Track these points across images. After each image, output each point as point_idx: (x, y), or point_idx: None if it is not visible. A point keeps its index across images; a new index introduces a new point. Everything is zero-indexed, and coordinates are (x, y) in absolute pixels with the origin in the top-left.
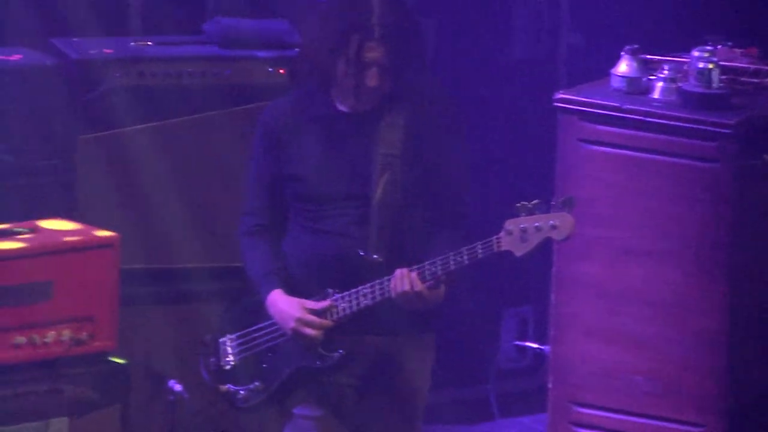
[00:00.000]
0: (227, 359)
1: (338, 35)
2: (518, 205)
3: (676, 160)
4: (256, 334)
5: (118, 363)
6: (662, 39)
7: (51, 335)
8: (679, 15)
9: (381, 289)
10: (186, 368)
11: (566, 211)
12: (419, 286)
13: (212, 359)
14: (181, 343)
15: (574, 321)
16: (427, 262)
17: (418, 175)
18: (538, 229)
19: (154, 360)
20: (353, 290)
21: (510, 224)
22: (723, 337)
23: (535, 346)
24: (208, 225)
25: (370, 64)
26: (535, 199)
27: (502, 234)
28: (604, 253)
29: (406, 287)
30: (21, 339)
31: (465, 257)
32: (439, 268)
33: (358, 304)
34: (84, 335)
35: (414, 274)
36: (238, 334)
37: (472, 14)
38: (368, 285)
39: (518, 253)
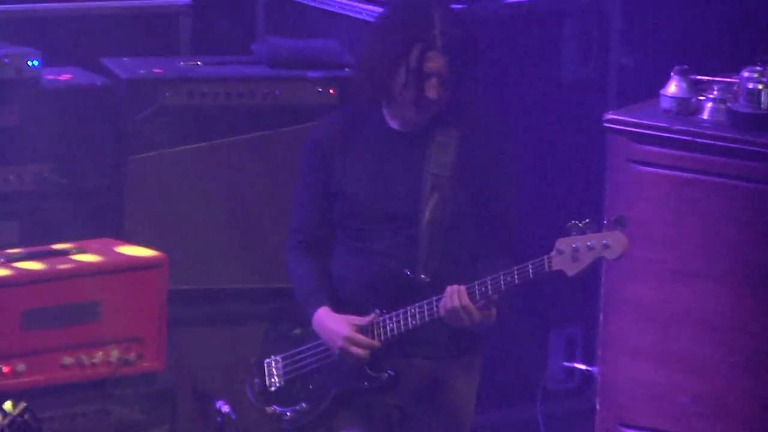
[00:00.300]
0: (273, 380)
1: (400, 45)
2: (569, 224)
3: (725, 180)
4: (302, 355)
5: (165, 383)
6: (712, 59)
7: (99, 356)
8: (729, 35)
9: (429, 309)
10: (233, 389)
11: (618, 230)
12: (469, 302)
13: (257, 380)
14: (229, 364)
15: (622, 342)
16: (477, 282)
17: (467, 197)
18: (590, 248)
19: (201, 381)
20: (401, 310)
21: (561, 243)
22: None
23: (582, 367)
24: (257, 246)
25: (430, 74)
26: (586, 219)
27: (553, 253)
28: (653, 274)
29: (456, 303)
30: (69, 359)
31: (516, 277)
32: (490, 287)
33: (405, 325)
34: (132, 356)
35: (464, 291)
36: (284, 355)
37: (521, 35)
38: (416, 305)
39: (570, 273)
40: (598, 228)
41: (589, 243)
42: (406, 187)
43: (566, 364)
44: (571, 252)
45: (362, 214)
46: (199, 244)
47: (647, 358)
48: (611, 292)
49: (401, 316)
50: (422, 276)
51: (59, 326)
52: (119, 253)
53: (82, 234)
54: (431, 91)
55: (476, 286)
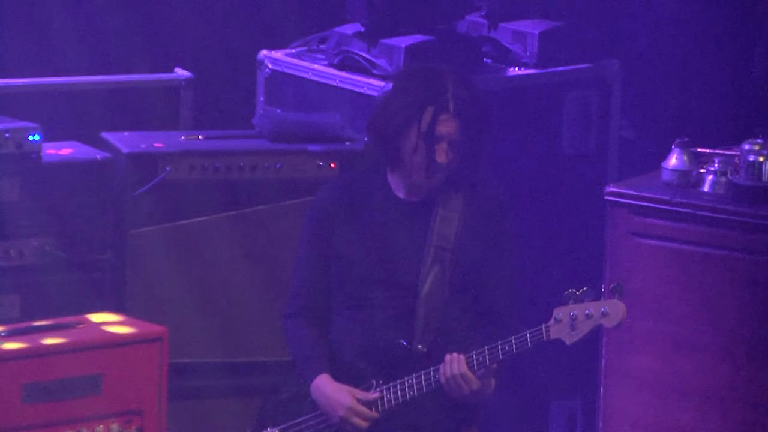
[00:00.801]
0: None
1: (413, 107)
2: (566, 292)
3: (727, 252)
4: (299, 427)
5: None
6: (712, 131)
7: (99, 429)
8: (729, 107)
9: (427, 379)
10: None
11: (617, 298)
12: (467, 371)
13: None
14: None
15: (623, 415)
16: (474, 351)
17: (467, 271)
18: (588, 316)
19: None
20: (399, 381)
21: (559, 312)
22: None
23: None
24: (258, 319)
25: (441, 138)
26: (583, 287)
27: (551, 322)
28: (654, 346)
29: (455, 371)
30: None
31: (514, 346)
32: (488, 357)
33: (404, 395)
34: (133, 429)
35: (463, 359)
36: (280, 427)
37: (522, 107)
38: (414, 376)
39: (568, 342)
40: (596, 296)
41: (587, 311)
42: (407, 257)
43: None
44: (569, 320)
45: (362, 281)
46: (199, 318)
47: (648, 430)
48: (611, 364)
49: (399, 386)
50: (419, 346)
51: (60, 399)
52: (120, 327)
53: (83, 308)
54: (441, 155)
55: (474, 356)
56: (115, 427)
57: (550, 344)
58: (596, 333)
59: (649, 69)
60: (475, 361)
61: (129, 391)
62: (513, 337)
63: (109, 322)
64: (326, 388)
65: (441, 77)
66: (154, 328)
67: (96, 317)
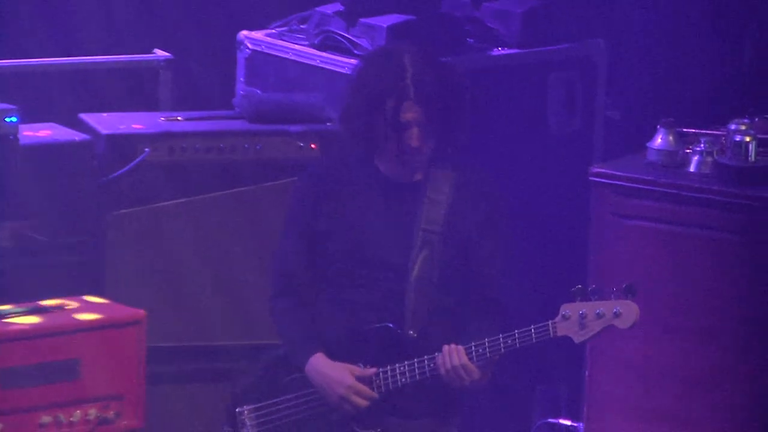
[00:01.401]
0: (245, 431)
1: (374, 99)
2: (574, 289)
3: (712, 233)
4: (280, 407)
5: None
6: (699, 112)
7: (77, 414)
8: (714, 87)
9: (421, 368)
10: None
11: (630, 299)
12: (468, 362)
13: (227, 429)
14: (209, 422)
15: (609, 398)
16: (474, 343)
17: (457, 254)
18: (599, 315)
19: None
20: (391, 367)
21: (567, 309)
22: (763, 414)
23: (568, 423)
24: (238, 302)
25: (408, 124)
26: (591, 285)
27: (558, 318)
28: (639, 329)
29: (456, 362)
30: (47, 418)
31: (517, 341)
32: (488, 349)
33: (395, 382)
34: (111, 414)
35: (462, 350)
36: (258, 405)
37: (507, 87)
38: (406, 363)
39: (577, 340)
40: (607, 295)
41: (598, 310)
42: (396, 239)
43: (551, 420)
44: (578, 318)
45: (348, 261)
46: (179, 300)
47: (633, 414)
48: (596, 348)
49: (391, 372)
50: (410, 332)
51: (38, 385)
52: (98, 311)
53: (61, 291)
54: (412, 139)
55: (473, 347)
56: (93, 412)
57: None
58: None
59: (635, 48)
60: (474, 353)
61: (107, 376)
62: (517, 331)
63: (88, 305)
64: (323, 366)
65: (400, 62)
66: (133, 312)
67: (74, 301)
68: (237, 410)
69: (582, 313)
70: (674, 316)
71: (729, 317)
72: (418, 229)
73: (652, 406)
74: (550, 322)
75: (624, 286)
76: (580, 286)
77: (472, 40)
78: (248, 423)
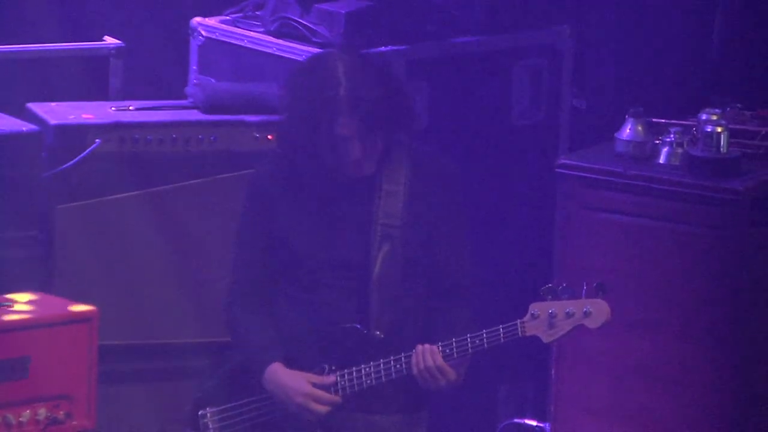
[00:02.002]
0: None
1: (308, 114)
2: (543, 288)
3: (683, 227)
4: (243, 410)
5: None
6: (669, 102)
7: (26, 414)
8: (687, 77)
9: (387, 369)
10: None
11: (600, 298)
12: (443, 362)
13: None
14: (164, 421)
15: (575, 397)
16: (441, 343)
17: (418, 247)
18: (569, 315)
19: None
20: (356, 368)
21: (535, 308)
22: (734, 412)
23: (534, 423)
24: (192, 298)
25: (347, 137)
26: (562, 283)
27: (527, 318)
28: (606, 326)
29: (429, 363)
30: None
31: (485, 341)
32: (456, 349)
33: (360, 384)
34: (61, 414)
35: (437, 350)
36: (220, 408)
37: (471, 76)
38: (372, 364)
39: (546, 340)
40: (578, 294)
41: (568, 310)
42: (354, 236)
43: (517, 420)
44: (548, 318)
45: (309, 264)
46: (132, 297)
47: (600, 412)
48: (563, 346)
49: (356, 374)
50: (377, 332)
51: None
52: (47, 306)
53: (9, 287)
54: (352, 152)
55: (439, 347)
56: (42, 411)
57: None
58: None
59: (602, 36)
60: (441, 354)
61: (57, 375)
62: (485, 331)
63: (37, 302)
64: (280, 377)
65: (333, 74)
66: (84, 309)
67: (22, 297)
68: (200, 413)
69: (551, 313)
70: (642, 311)
71: (700, 312)
72: (377, 225)
73: (620, 405)
74: (518, 321)
75: (595, 284)
76: (549, 285)
77: (433, 27)
78: (211, 426)
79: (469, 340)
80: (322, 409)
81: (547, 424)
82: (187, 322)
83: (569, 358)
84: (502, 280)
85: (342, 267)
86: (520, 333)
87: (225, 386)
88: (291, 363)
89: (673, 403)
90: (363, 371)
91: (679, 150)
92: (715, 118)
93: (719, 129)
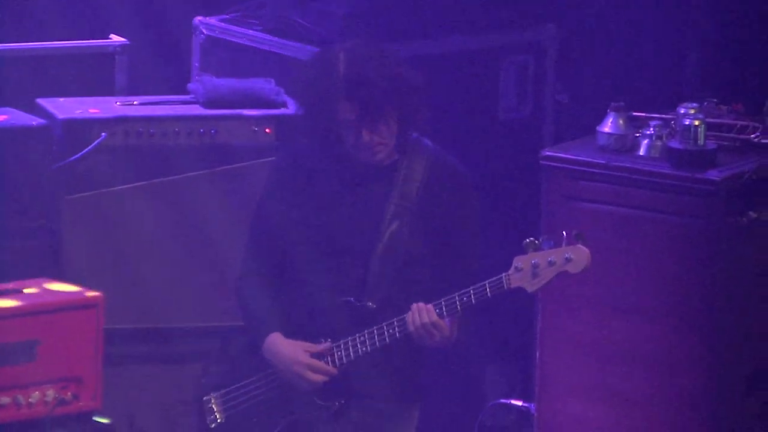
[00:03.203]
0: (212, 417)
1: (316, 105)
2: (525, 242)
3: (662, 216)
4: (244, 389)
5: (102, 423)
6: (649, 96)
7: (35, 395)
8: (666, 72)
9: (380, 333)
10: (173, 429)
11: (580, 244)
12: (438, 318)
13: (195, 419)
14: (168, 404)
15: (560, 379)
16: (431, 304)
17: (428, 231)
18: (551, 263)
19: (140, 421)
20: (350, 337)
21: (519, 261)
22: (708, 395)
23: (520, 404)
24: (195, 285)
25: (352, 123)
26: (541, 236)
27: (511, 271)
28: (590, 311)
29: (425, 320)
30: (5, 399)
31: (472, 296)
32: (445, 308)
33: (356, 351)
34: (69, 395)
35: (431, 307)
36: (223, 391)
37: (458, 73)
38: (366, 332)
39: (530, 289)
40: (558, 243)
41: (550, 258)
42: (366, 218)
43: (504, 400)
44: (531, 268)
45: (317, 246)
46: (136, 283)
47: (585, 394)
48: (547, 329)
49: (351, 342)
50: (369, 304)
51: None
52: (55, 293)
53: (19, 275)
54: (366, 136)
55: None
56: (51, 393)
57: (489, 307)
58: (532, 297)
59: (586, 33)
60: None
61: (65, 358)
62: (471, 287)
63: (45, 289)
64: (278, 345)
65: (333, 64)
66: (90, 294)
67: (31, 284)
68: (204, 398)
69: (534, 263)
70: (625, 297)
71: (677, 299)
72: (390, 204)
73: (604, 387)
74: (503, 274)
75: (574, 233)
76: (531, 238)
77: (426, 26)
78: (215, 409)
79: (457, 298)
80: (319, 377)
81: (533, 405)
82: (191, 307)
83: (554, 340)
84: (488, 273)
85: (348, 250)
86: (505, 286)
87: (228, 369)
88: (292, 336)
89: (653, 384)
90: (357, 339)
91: (659, 142)
92: (692, 112)
93: (696, 122)
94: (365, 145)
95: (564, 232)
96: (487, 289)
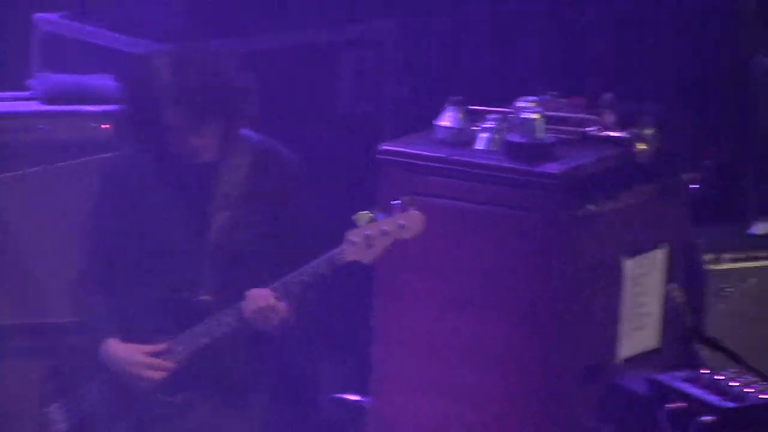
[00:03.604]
0: (57, 427)
1: (140, 109)
2: (357, 214)
3: (501, 210)
4: (87, 396)
5: None
6: (489, 90)
7: None
8: (505, 66)
9: (218, 323)
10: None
11: (412, 209)
12: (275, 301)
13: (38, 430)
14: (34, 399)
15: (395, 373)
16: (267, 288)
17: (259, 221)
18: (384, 233)
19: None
20: (188, 332)
21: (352, 234)
22: (545, 389)
23: (355, 398)
24: (30, 282)
25: (177, 128)
26: (374, 209)
27: (345, 245)
28: (426, 304)
29: (262, 304)
30: None
31: (307, 275)
32: (281, 290)
33: (195, 344)
34: None
35: (268, 292)
36: (65, 400)
37: (297, 67)
38: (203, 323)
39: (366, 260)
40: (389, 212)
41: (383, 228)
42: (194, 215)
43: (339, 396)
44: (364, 240)
45: (149, 247)
46: None
47: (420, 389)
48: (384, 323)
49: (189, 336)
50: (204, 297)
51: None
52: None
53: None
54: (187, 141)
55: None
56: None
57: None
58: (369, 290)
59: (426, 29)
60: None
61: None
62: (306, 266)
63: None
64: (114, 351)
65: (154, 69)
66: None
67: None
68: (45, 410)
69: (367, 234)
70: (462, 291)
71: (516, 293)
72: (218, 195)
73: (440, 381)
74: (336, 249)
75: (406, 199)
76: (361, 212)
77: (264, 20)
78: (57, 418)
79: (292, 278)
80: (156, 374)
81: (368, 400)
82: (25, 304)
83: (389, 335)
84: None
85: (179, 245)
86: (339, 261)
87: (68, 377)
88: (133, 339)
89: (490, 379)
90: (195, 332)
91: (498, 136)
92: (531, 105)
93: (535, 116)
94: (192, 147)
95: (397, 202)
96: (322, 266)
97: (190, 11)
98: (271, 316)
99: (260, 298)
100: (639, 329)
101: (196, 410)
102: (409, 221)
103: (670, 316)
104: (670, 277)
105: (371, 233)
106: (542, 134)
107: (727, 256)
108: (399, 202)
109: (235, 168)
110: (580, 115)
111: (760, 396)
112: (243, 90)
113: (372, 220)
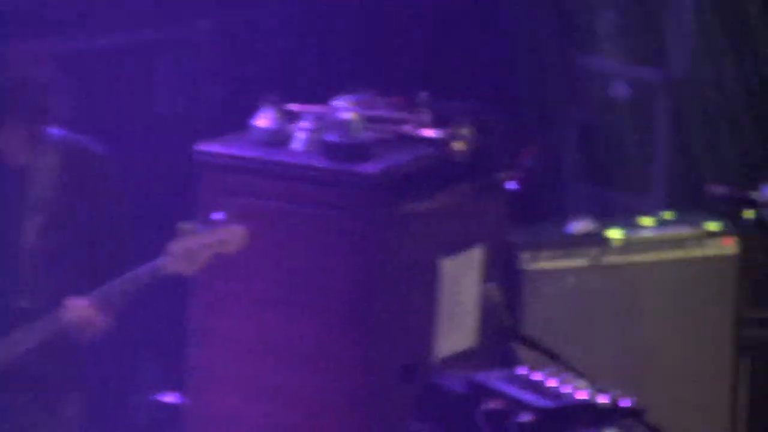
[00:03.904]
0: None
1: None
2: (179, 226)
3: (317, 210)
4: None
5: None
6: (307, 90)
7: None
8: (322, 65)
9: (36, 331)
10: None
11: (234, 224)
12: (91, 312)
13: None
14: None
15: (210, 373)
16: (86, 298)
17: (73, 221)
18: (206, 246)
19: None
20: (8, 338)
21: (173, 246)
22: (362, 387)
23: (171, 399)
24: None
25: None
26: (196, 221)
27: (167, 257)
28: (239, 305)
29: (80, 314)
30: None
31: (128, 285)
32: (101, 300)
33: (17, 351)
34: None
35: (87, 302)
36: None
37: (113, 69)
38: (20, 331)
39: (187, 272)
40: (211, 227)
41: (204, 241)
42: (6, 221)
43: (155, 396)
44: (185, 253)
45: None
46: None
47: (235, 389)
48: (198, 324)
49: (9, 343)
50: (21, 303)
51: None
52: None
53: None
54: None
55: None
56: None
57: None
58: (186, 292)
59: (242, 28)
60: (91, 306)
61: None
62: (127, 275)
63: None
64: None
65: None
66: None
67: None
68: None
69: (188, 247)
70: (279, 291)
71: (330, 292)
72: (29, 199)
73: (257, 381)
74: (155, 261)
75: (229, 214)
76: (186, 223)
77: (75, 20)
78: None
79: (112, 288)
80: None
81: (183, 400)
82: None
83: (205, 335)
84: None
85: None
86: (158, 273)
87: None
88: None
89: (307, 378)
90: (11, 339)
91: (315, 136)
92: (348, 104)
93: (352, 115)
94: None
95: (219, 214)
96: (142, 277)
97: (5, 13)
98: (89, 325)
99: (79, 308)
100: (457, 328)
101: (9, 416)
102: (231, 236)
103: (488, 315)
104: (488, 276)
105: (192, 246)
106: (359, 134)
107: (545, 254)
108: (222, 214)
109: (44, 168)
110: (398, 115)
111: (577, 395)
112: (41, 87)
113: (194, 232)
